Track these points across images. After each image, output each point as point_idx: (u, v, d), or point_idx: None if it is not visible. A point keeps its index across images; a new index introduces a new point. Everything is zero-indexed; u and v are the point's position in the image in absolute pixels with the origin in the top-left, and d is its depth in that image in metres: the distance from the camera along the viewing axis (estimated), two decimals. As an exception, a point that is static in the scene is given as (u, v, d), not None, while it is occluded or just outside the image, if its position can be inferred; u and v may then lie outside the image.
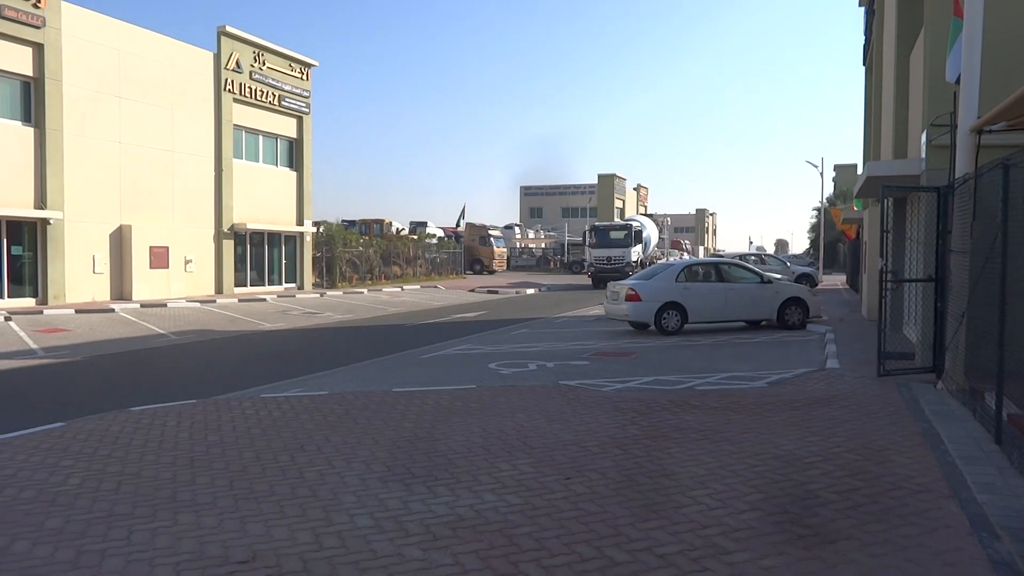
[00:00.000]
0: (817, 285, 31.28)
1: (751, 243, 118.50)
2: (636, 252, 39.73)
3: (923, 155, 10.76)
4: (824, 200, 50.94)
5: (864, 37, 25.03)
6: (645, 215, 52.25)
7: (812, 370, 10.88)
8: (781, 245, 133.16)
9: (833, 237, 55.85)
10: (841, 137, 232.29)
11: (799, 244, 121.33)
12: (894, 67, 14.96)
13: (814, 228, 71.12)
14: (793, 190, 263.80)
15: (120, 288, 25.19)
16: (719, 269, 17.21)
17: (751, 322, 17.19)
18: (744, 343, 14.56)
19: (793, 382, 9.88)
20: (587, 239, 41.74)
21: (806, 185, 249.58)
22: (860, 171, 31.64)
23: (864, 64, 25.23)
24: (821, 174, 46.81)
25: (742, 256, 36.34)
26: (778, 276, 20.12)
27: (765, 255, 42.18)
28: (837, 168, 69.84)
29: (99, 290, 24.51)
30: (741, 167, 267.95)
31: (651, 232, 45.35)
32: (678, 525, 4.71)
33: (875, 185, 13.28)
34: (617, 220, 52.60)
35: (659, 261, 42.06)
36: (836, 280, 43.74)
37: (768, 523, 4.73)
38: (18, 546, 4.51)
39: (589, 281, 39.99)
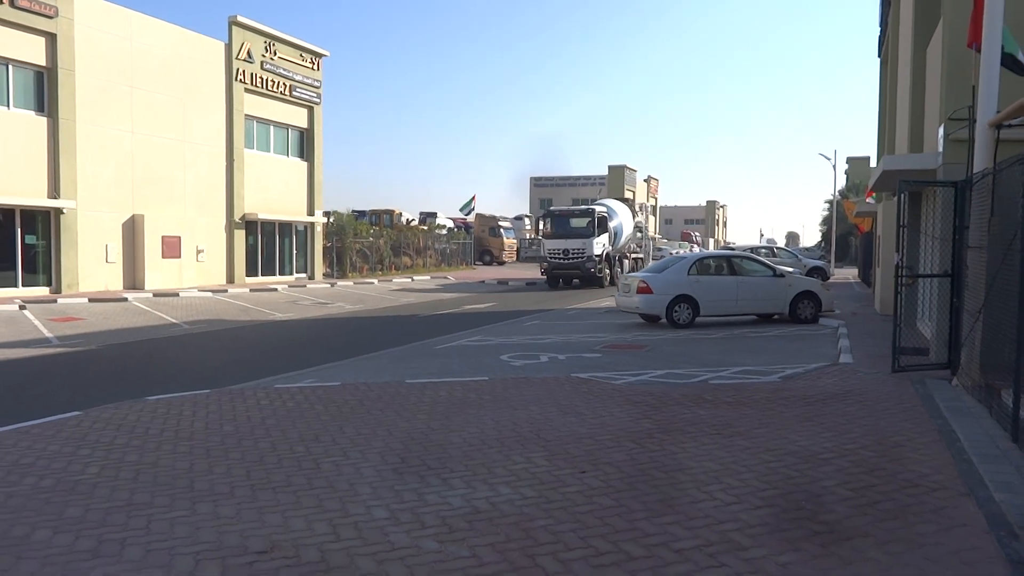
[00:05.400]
0: (829, 279, 31.14)
1: (762, 235, 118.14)
2: (601, 244, 31.71)
3: (940, 149, 10.67)
4: (836, 193, 50.61)
5: (880, 28, 24.79)
6: (619, 199, 40.21)
7: (825, 365, 10.84)
8: (792, 238, 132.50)
9: (845, 230, 55.46)
10: (854, 129, 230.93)
11: (810, 237, 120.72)
12: (910, 60, 14.81)
13: (826, 221, 70.64)
14: (805, 183, 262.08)
15: (133, 277, 25.33)
16: (731, 262, 17.15)
17: (763, 316, 17.14)
18: (756, 337, 14.52)
19: (806, 377, 9.85)
20: (542, 228, 33.96)
21: (818, 177, 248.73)
22: (873, 164, 31.40)
23: (879, 56, 25.00)
24: (834, 167, 46.54)
25: (752, 249, 36.13)
26: (790, 269, 20.04)
27: (776, 248, 41.91)
28: (850, 161, 69.33)
29: (112, 279, 24.66)
30: (753, 159, 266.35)
31: (623, 219, 35.43)
32: (694, 520, 4.72)
33: (890, 179, 13.18)
34: (581, 205, 39.50)
35: (633, 255, 36.90)
36: (848, 273, 43.52)
37: (784, 519, 4.73)
38: (39, 535, 4.56)
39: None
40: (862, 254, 35.93)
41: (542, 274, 33.13)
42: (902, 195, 10.19)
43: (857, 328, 15.21)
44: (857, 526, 4.62)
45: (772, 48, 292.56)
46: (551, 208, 35.21)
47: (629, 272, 31.95)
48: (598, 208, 33.07)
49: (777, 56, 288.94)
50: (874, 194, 21.80)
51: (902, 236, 9.93)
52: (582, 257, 30.96)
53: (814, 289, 16.94)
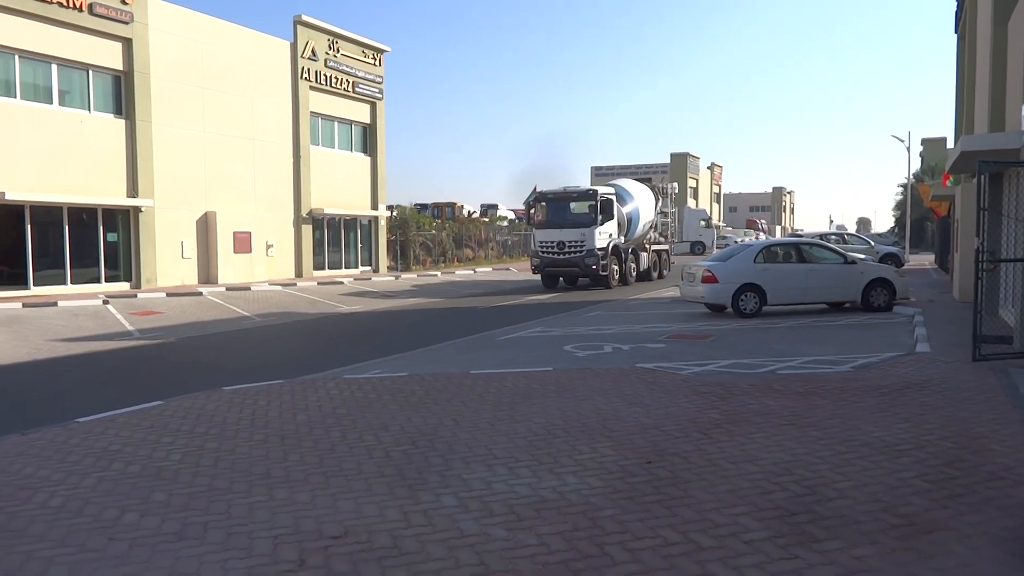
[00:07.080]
0: (904, 265, 30.06)
1: (831, 222, 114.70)
2: (606, 234, 25.30)
3: (1023, 128, 10.18)
4: (911, 176, 48.72)
5: (956, 3, 23.74)
6: (639, 179, 31.51)
7: (901, 354, 10.48)
8: (863, 223, 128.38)
9: (920, 215, 53.46)
10: (930, 110, 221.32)
11: (883, 223, 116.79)
12: (990, 35, 14.15)
13: (899, 205, 68.18)
14: (877, 166, 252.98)
15: (207, 272, 26.23)
16: (799, 249, 16.71)
17: (833, 304, 16.66)
18: (826, 326, 14.13)
19: (880, 366, 9.56)
20: (532, 214, 27.03)
21: (891, 161, 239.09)
22: (950, 145, 30.13)
23: (956, 32, 23.95)
24: (908, 149, 44.78)
25: (822, 235, 34.99)
26: (862, 256, 19.42)
27: (847, 234, 40.53)
28: (925, 142, 66.70)
29: (187, 274, 25.60)
30: (822, 143, 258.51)
31: (641, 204, 28.26)
32: (765, 511, 4.64)
33: (969, 160, 12.63)
34: (580, 185, 29.51)
35: (655, 247, 30.02)
36: (924, 260, 41.94)
37: (859, 511, 4.62)
38: (128, 517, 4.80)
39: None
40: (939, 239, 34.55)
41: (533, 272, 26.82)
42: (982, 176, 9.76)
43: (934, 316, 14.66)
44: (937, 519, 4.47)
45: (843, 27, 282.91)
46: (543, 191, 27.21)
47: (644, 269, 28.36)
48: (603, 190, 26.36)
49: (848, 35, 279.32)
50: (951, 177, 20.93)
51: (982, 219, 9.52)
52: (580, 251, 24.81)
53: (888, 276, 16.37)
